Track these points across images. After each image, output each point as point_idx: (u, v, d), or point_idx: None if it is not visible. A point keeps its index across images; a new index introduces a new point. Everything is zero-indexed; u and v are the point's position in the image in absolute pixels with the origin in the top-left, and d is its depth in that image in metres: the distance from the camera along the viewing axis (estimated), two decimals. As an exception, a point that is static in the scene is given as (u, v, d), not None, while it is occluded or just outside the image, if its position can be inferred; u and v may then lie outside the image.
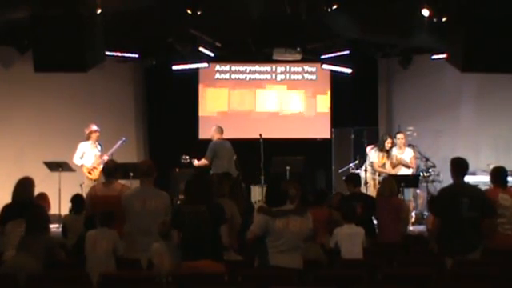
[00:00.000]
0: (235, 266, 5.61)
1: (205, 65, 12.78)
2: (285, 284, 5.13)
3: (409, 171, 10.86)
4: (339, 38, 11.76)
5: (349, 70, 12.82)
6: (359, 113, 13.43)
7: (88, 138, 10.59)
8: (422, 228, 9.74)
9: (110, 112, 12.55)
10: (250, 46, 12.14)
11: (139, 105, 13.54)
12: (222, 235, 5.44)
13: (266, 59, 13.00)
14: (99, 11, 7.99)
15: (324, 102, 13.69)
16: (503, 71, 8.00)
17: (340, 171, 12.42)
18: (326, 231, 6.90)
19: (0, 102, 11.81)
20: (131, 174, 9.81)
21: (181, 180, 10.42)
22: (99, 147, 10.64)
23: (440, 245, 6.29)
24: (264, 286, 5.02)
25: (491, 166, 9.71)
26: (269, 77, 13.73)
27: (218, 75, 13.64)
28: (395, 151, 10.95)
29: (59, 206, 10.04)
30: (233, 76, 13.71)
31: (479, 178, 10.50)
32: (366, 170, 11.01)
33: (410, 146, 11.19)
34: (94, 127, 10.60)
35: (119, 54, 12.05)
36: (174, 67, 12.66)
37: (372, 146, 11.25)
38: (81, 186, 10.16)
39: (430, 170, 11.06)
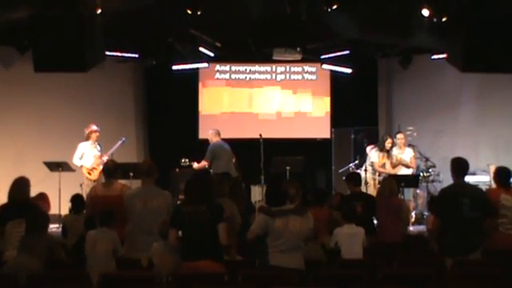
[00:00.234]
0: (235, 265, 5.61)
1: (205, 65, 12.77)
2: (284, 284, 5.12)
3: (409, 171, 10.86)
4: (339, 37, 11.76)
5: (349, 70, 12.81)
6: (359, 113, 13.43)
7: (88, 138, 10.58)
8: (422, 228, 9.74)
9: (109, 112, 12.55)
10: (250, 46, 12.13)
11: (139, 105, 13.54)
12: (219, 234, 5.42)
13: (266, 59, 12.99)
14: (99, 11, 7.99)
15: (324, 102, 13.69)
16: (503, 71, 7.99)
17: (340, 171, 12.42)
18: (326, 231, 6.90)
19: (0, 102, 11.81)
20: (131, 174, 9.82)
21: (181, 180, 10.42)
22: (99, 147, 10.63)
23: (441, 245, 6.29)
24: (264, 286, 5.02)
25: (491, 166, 9.75)
26: (269, 77, 13.73)
27: (217, 75, 13.64)
28: (395, 151, 10.95)
29: (59, 206, 10.04)
30: (233, 76, 13.71)
31: (479, 178, 10.53)
32: (366, 170, 11.01)
33: (410, 145, 11.20)
34: (94, 127, 10.59)
35: (119, 53, 12.04)
36: (174, 67, 12.65)
37: (372, 146, 11.26)
38: (81, 186, 10.16)
39: (430, 170, 11.07)
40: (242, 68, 13.70)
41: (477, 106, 12.20)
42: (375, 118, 13.53)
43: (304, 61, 13.01)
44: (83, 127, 10.66)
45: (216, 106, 13.69)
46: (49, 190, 8.13)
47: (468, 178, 6.47)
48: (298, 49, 12.11)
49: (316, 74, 13.62)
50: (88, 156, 10.49)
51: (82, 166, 10.51)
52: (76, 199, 7.45)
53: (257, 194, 11.69)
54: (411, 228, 9.91)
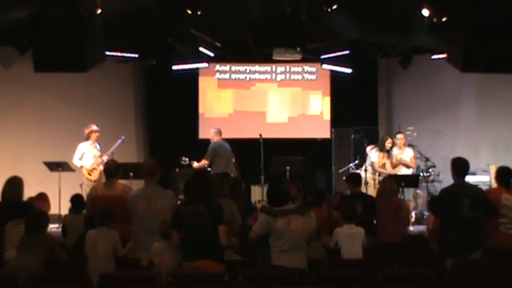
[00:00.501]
0: (235, 265, 5.61)
1: (205, 65, 12.77)
2: (285, 284, 5.13)
3: (409, 171, 10.86)
4: (339, 37, 11.76)
5: (349, 70, 12.82)
6: (359, 113, 13.44)
7: (88, 138, 10.57)
8: (422, 228, 9.75)
9: (109, 112, 12.55)
10: (250, 46, 12.13)
11: (139, 105, 13.54)
12: (219, 235, 5.42)
13: (266, 59, 13.00)
14: (99, 11, 7.98)
15: (324, 102, 13.69)
16: (503, 71, 7.98)
17: (340, 171, 12.43)
18: (326, 231, 6.89)
19: (0, 102, 11.81)
20: (131, 174, 9.82)
21: (181, 180, 10.42)
22: (98, 147, 10.64)
23: (441, 245, 6.29)
24: (264, 285, 5.02)
25: (491, 166, 9.76)
26: (269, 77, 13.73)
27: (218, 75, 13.64)
28: (395, 151, 10.95)
29: (59, 206, 10.04)
30: (233, 76, 13.71)
31: (479, 178, 10.52)
32: (366, 170, 11.01)
33: (410, 146, 11.20)
34: (94, 127, 10.59)
35: (119, 53, 12.04)
36: (174, 67, 12.65)
37: (372, 146, 11.26)
38: (81, 186, 10.16)
39: (430, 170, 11.06)
40: (242, 68, 13.70)
41: (477, 106, 12.19)
42: (375, 118, 13.54)
43: (304, 61, 13.02)
44: (83, 127, 10.66)
45: (216, 105, 13.69)
46: (49, 190, 8.13)
47: (468, 178, 6.46)
48: (298, 49, 12.12)
49: (316, 74, 13.62)
50: (88, 156, 10.49)
51: (81, 167, 10.51)
52: (76, 199, 7.45)
53: (257, 193, 11.69)
54: (411, 228, 9.91)
